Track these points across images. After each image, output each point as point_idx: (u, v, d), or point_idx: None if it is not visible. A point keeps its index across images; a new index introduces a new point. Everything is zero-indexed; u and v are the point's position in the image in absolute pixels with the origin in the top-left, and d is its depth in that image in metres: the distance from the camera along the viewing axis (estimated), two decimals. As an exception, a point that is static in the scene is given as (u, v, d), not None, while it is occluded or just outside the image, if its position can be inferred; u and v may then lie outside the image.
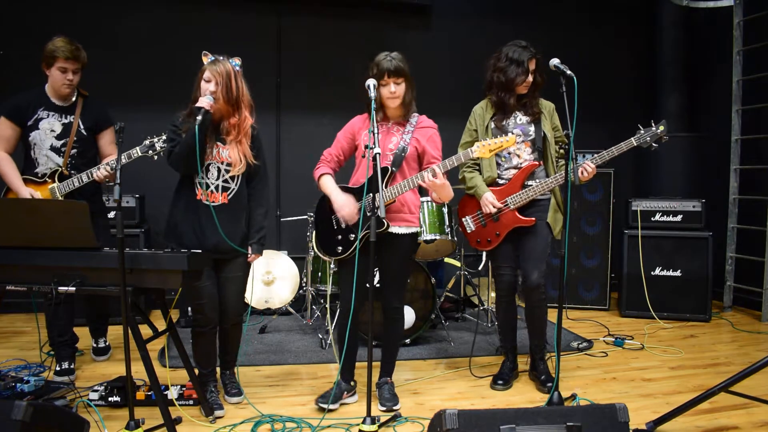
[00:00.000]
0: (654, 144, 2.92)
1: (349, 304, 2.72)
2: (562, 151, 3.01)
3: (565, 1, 5.46)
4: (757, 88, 4.72)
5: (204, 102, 2.53)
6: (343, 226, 2.74)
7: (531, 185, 2.96)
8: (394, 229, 2.72)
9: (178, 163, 2.60)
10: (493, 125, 3.03)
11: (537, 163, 3.01)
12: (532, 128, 3.01)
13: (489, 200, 2.98)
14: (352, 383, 2.91)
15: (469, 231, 3.13)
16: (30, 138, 3.01)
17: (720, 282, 4.81)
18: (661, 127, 2.90)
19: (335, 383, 2.80)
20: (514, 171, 3.01)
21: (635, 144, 2.90)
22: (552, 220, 3.04)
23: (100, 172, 2.96)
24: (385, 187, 2.67)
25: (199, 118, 2.47)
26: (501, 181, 3.05)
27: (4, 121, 2.99)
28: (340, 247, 2.74)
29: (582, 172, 2.83)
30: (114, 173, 2.89)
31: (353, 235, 2.70)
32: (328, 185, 2.76)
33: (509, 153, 3.02)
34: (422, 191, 4.09)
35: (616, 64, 5.55)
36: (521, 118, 3.02)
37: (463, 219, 3.15)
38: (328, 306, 3.86)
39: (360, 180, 2.75)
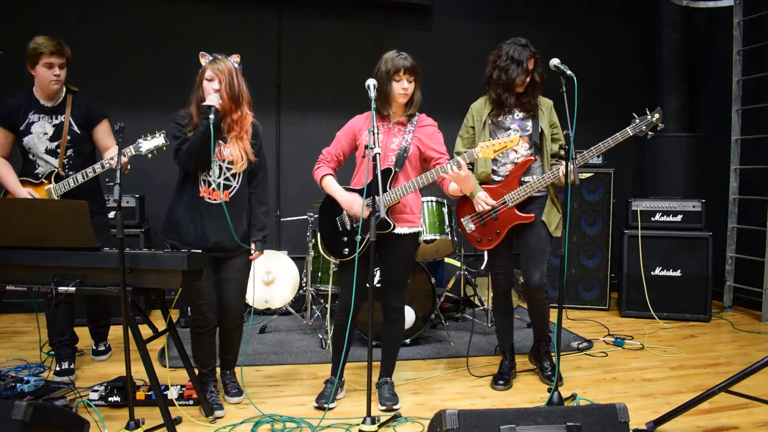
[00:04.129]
0: (650, 132, 2.91)
1: (349, 302, 2.73)
2: (562, 151, 3.03)
3: (565, 1, 5.46)
4: (757, 88, 4.72)
5: (213, 100, 2.54)
6: (349, 227, 2.75)
7: (528, 181, 2.96)
8: (396, 229, 2.72)
9: (186, 162, 2.59)
10: (490, 122, 3.03)
11: (533, 158, 3.00)
12: (529, 124, 3.02)
13: (482, 198, 2.97)
14: (343, 379, 2.93)
15: (468, 231, 3.12)
16: (24, 143, 3.00)
17: (720, 282, 4.81)
18: (657, 115, 2.88)
19: (333, 383, 2.80)
20: (510, 166, 3.01)
21: (631, 134, 2.89)
22: (547, 218, 3.03)
23: (112, 162, 2.88)
24: (389, 187, 2.68)
25: (212, 117, 2.49)
26: (497, 178, 3.04)
27: None
28: (347, 249, 2.75)
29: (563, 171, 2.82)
30: (126, 163, 2.88)
31: (360, 237, 2.70)
32: (332, 186, 2.77)
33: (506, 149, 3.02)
34: (423, 191, 4.08)
35: (616, 64, 5.55)
36: (518, 114, 3.03)
37: (462, 219, 3.14)
38: (328, 306, 3.87)
39: (362, 181, 2.74)
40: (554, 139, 3.06)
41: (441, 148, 2.81)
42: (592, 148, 2.90)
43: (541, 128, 3.00)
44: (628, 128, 2.90)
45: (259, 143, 2.78)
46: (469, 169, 3.08)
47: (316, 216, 3.93)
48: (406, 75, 2.67)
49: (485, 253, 3.11)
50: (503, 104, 3.00)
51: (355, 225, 2.72)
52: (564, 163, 2.86)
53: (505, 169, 3.02)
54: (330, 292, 3.86)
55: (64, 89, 3.08)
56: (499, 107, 3.02)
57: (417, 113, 2.82)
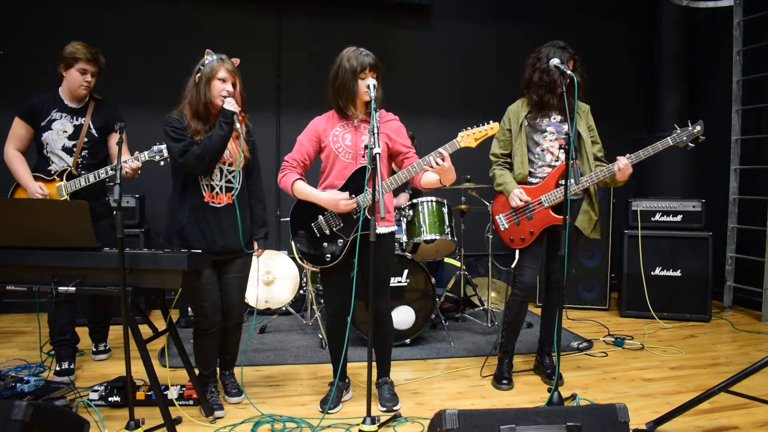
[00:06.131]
0: (691, 144, 2.91)
1: (338, 307, 2.72)
2: (601, 153, 3.08)
3: (565, 0, 5.47)
4: (757, 88, 4.72)
5: (234, 106, 2.55)
6: (327, 232, 2.68)
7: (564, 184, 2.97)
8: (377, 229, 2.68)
9: (197, 165, 2.55)
10: (526, 123, 3.04)
11: (572, 161, 3.00)
12: (566, 126, 3.01)
13: (517, 194, 2.98)
14: (346, 380, 2.92)
15: (502, 229, 3.11)
16: (43, 138, 3.07)
17: (720, 282, 4.81)
18: (698, 127, 2.89)
19: (334, 386, 2.79)
20: (548, 169, 3.02)
21: (671, 143, 2.89)
22: (581, 222, 3.06)
23: (128, 165, 2.92)
24: (367, 186, 2.63)
25: (238, 125, 2.54)
26: (534, 180, 3.05)
27: (18, 121, 3.07)
28: (329, 255, 2.68)
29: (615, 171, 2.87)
30: (138, 168, 2.95)
31: (341, 240, 2.66)
32: (306, 190, 2.68)
33: (543, 150, 3.02)
34: (417, 190, 4.06)
35: (616, 64, 5.55)
36: (555, 116, 3.02)
37: (497, 217, 3.13)
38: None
39: (334, 183, 2.67)
40: (593, 142, 3.08)
41: (407, 141, 2.76)
42: (632, 155, 2.89)
43: (579, 131, 3.00)
44: (668, 138, 2.89)
45: (252, 140, 2.79)
46: (506, 167, 3.10)
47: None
48: (372, 72, 2.62)
49: (516, 252, 3.11)
50: (544, 106, 2.99)
51: (335, 229, 2.67)
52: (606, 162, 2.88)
53: (543, 171, 3.03)
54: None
55: (88, 96, 3.17)
56: (538, 109, 3.02)
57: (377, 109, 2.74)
